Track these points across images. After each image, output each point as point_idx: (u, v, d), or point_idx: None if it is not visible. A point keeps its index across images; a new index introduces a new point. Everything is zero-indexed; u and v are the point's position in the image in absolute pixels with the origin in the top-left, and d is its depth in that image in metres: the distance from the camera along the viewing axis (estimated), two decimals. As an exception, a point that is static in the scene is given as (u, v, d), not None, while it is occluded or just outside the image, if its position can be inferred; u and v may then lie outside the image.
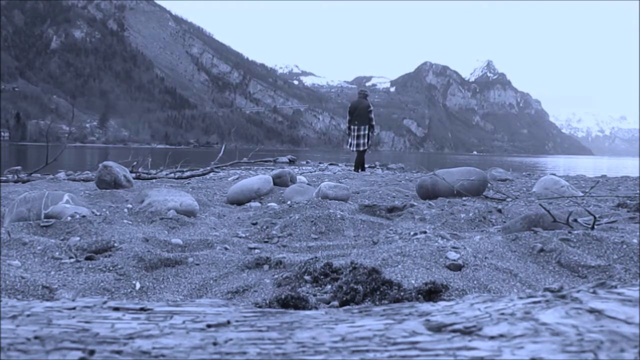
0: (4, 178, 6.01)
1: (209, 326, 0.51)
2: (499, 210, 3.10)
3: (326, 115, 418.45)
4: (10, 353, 0.42)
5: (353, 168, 10.71)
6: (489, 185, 4.60)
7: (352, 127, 10.36)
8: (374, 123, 10.43)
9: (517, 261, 1.84)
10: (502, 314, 0.53)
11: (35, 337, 0.46)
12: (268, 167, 11.72)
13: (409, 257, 1.79)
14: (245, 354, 0.44)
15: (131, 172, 6.00)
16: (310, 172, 10.77)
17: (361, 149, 10.26)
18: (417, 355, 0.43)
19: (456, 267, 1.72)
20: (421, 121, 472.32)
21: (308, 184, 5.25)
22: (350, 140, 10.38)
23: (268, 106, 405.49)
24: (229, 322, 0.52)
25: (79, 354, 0.43)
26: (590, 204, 3.70)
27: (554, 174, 8.40)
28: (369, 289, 1.43)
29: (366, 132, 10.26)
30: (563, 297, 0.57)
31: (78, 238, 2.13)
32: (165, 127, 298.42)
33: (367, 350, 0.44)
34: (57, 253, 1.92)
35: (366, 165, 10.65)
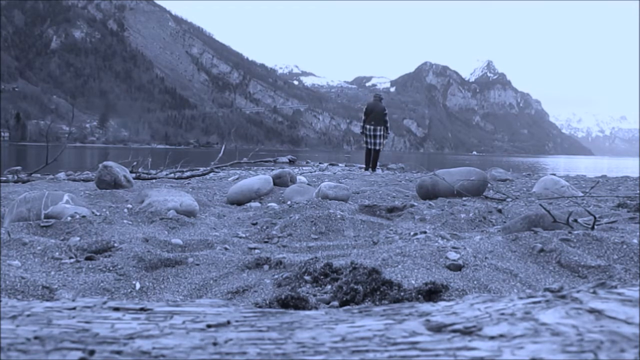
0: (4, 178, 6.01)
1: (209, 326, 0.51)
2: (499, 211, 3.10)
3: (326, 116, 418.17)
4: (10, 353, 0.42)
5: (364, 167, 11.34)
6: (489, 185, 4.60)
7: (368, 127, 11.01)
8: (388, 125, 11.24)
9: (517, 261, 1.84)
10: (502, 314, 0.53)
11: (35, 337, 0.46)
12: (268, 167, 11.75)
13: (409, 257, 1.79)
14: (245, 354, 0.44)
15: (131, 172, 6.00)
16: (310, 172, 10.79)
17: (377, 147, 10.98)
18: (417, 356, 0.43)
19: (456, 267, 1.72)
20: (421, 121, 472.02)
21: (308, 184, 5.25)
22: (367, 139, 11.05)
23: (268, 106, 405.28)
24: (229, 322, 0.52)
25: (79, 354, 0.43)
26: (591, 204, 3.70)
27: (554, 174, 8.41)
28: (369, 289, 1.43)
29: (382, 132, 11.01)
30: (563, 297, 0.57)
31: (78, 238, 2.13)
32: (165, 127, 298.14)
33: (367, 351, 0.44)
34: (57, 253, 1.92)
35: (365, 165, 11.01)
